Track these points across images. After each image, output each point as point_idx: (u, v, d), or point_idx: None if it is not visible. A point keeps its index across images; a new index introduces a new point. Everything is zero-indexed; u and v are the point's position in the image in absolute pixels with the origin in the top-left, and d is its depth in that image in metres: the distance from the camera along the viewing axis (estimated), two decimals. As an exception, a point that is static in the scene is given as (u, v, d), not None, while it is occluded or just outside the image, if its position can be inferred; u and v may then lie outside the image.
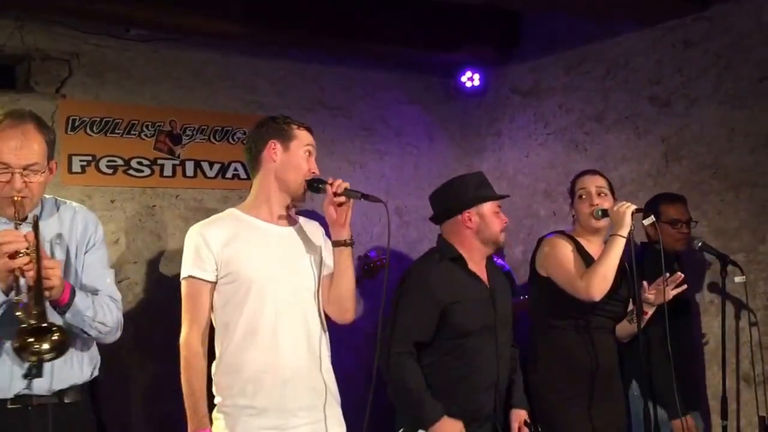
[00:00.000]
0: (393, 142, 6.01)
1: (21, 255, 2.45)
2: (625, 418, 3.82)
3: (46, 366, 2.60)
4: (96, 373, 2.90)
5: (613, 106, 5.32)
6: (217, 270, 2.83)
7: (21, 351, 2.42)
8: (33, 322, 2.40)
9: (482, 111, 6.22)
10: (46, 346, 2.43)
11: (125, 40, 4.87)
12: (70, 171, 4.63)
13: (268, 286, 2.84)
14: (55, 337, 2.44)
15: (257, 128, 3.01)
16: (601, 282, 3.42)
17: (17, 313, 2.45)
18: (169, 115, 5.02)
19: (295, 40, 5.14)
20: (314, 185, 2.87)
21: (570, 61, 5.59)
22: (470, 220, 3.41)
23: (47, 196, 2.82)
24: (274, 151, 2.89)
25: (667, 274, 3.48)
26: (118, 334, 2.87)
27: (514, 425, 3.44)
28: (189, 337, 2.87)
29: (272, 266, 2.86)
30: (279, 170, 2.89)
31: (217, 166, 5.18)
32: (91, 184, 4.74)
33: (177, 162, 5.05)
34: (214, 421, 2.88)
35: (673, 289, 3.50)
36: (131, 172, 4.88)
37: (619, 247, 3.43)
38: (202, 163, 5.14)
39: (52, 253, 2.73)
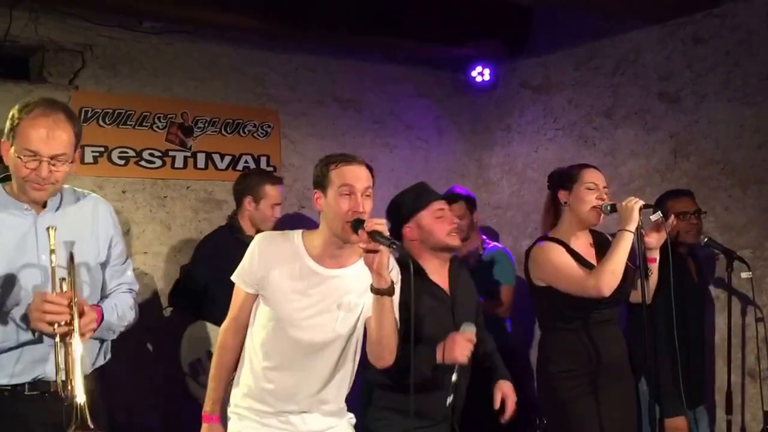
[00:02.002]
0: (403, 136, 6.04)
1: (58, 326, 2.53)
2: (636, 410, 3.80)
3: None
4: (108, 356, 2.96)
5: (623, 101, 5.33)
6: (256, 287, 2.89)
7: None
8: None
9: (492, 105, 6.24)
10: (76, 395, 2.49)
11: (138, 32, 4.92)
12: (82, 161, 4.68)
13: (295, 326, 2.85)
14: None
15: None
16: (610, 278, 3.42)
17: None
18: (181, 107, 5.07)
19: (307, 34, 5.17)
20: (356, 226, 2.75)
21: (580, 57, 5.60)
22: (411, 233, 3.37)
23: (65, 186, 2.85)
24: (318, 200, 2.89)
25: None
26: (134, 322, 2.97)
27: (497, 395, 3.32)
28: (225, 330, 2.98)
29: (304, 309, 2.86)
30: (326, 217, 2.87)
31: (228, 158, 5.23)
32: (102, 174, 4.79)
33: (188, 154, 5.10)
34: (230, 419, 2.97)
35: (658, 231, 3.51)
36: (143, 163, 4.93)
37: (627, 242, 3.44)
38: (213, 155, 5.19)
39: (80, 251, 2.78)
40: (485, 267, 4.88)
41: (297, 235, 2.93)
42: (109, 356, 2.97)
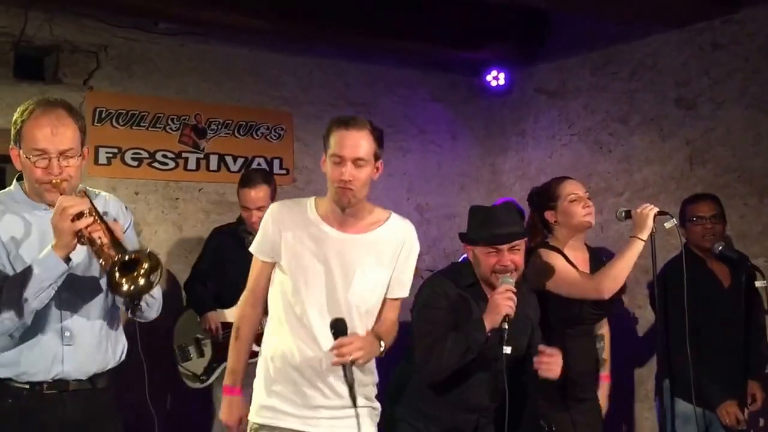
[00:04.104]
0: (416, 140, 6.02)
1: (84, 216, 2.50)
2: (602, 423, 3.85)
3: (81, 348, 2.69)
4: (124, 357, 2.95)
5: (639, 107, 5.29)
6: (272, 254, 2.90)
7: (116, 289, 2.45)
8: (118, 256, 2.42)
9: (507, 110, 6.21)
10: (141, 281, 2.45)
11: (153, 33, 4.93)
12: (96, 162, 4.70)
13: (314, 289, 2.85)
14: (145, 266, 2.45)
15: None
16: (611, 282, 3.44)
17: (100, 261, 2.49)
18: (194, 109, 5.07)
19: (321, 37, 5.17)
20: (334, 331, 2.71)
21: (596, 62, 5.56)
22: (471, 254, 3.34)
23: (80, 186, 2.85)
24: (324, 163, 2.89)
25: None
26: (160, 311, 2.90)
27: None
28: (243, 302, 3.00)
29: (323, 270, 2.85)
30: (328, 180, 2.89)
31: (240, 161, 5.22)
32: (116, 176, 4.80)
33: (201, 156, 5.10)
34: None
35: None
36: (156, 164, 4.94)
37: (636, 249, 3.42)
38: (225, 157, 5.18)
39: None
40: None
41: (310, 200, 2.95)
42: (124, 357, 2.97)
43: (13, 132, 2.68)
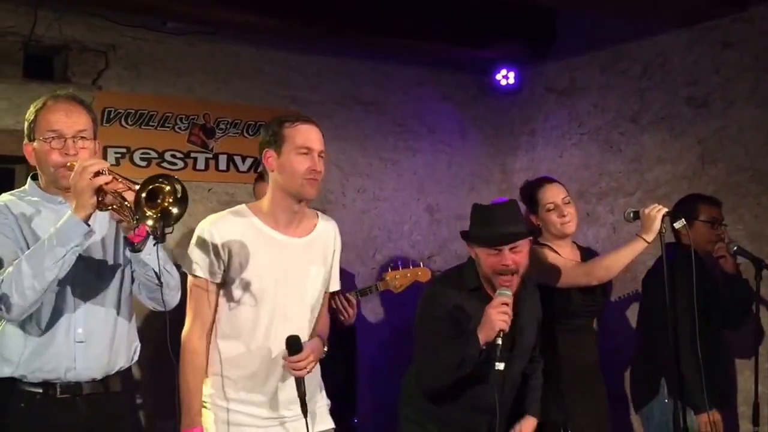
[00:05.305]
0: (426, 139, 5.99)
1: (103, 174, 2.47)
2: (608, 419, 3.83)
3: (93, 347, 2.68)
4: (136, 357, 2.94)
5: (649, 106, 5.26)
6: (223, 271, 2.83)
7: (144, 219, 2.38)
8: (139, 185, 2.38)
9: (516, 109, 6.19)
10: (174, 209, 2.41)
11: (162, 33, 4.92)
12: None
13: (267, 298, 2.84)
14: (168, 190, 2.40)
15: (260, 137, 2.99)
16: (603, 270, 3.49)
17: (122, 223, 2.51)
18: (203, 109, 5.06)
19: (330, 36, 5.15)
20: (289, 346, 2.76)
21: (606, 60, 5.53)
22: (473, 253, 3.30)
23: None
24: (269, 160, 2.85)
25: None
26: (179, 296, 2.86)
27: (516, 428, 3.36)
28: (190, 334, 2.87)
29: (275, 278, 2.85)
30: (279, 178, 2.85)
31: (249, 161, 5.21)
32: (124, 176, 4.78)
33: (210, 155, 5.09)
34: (203, 414, 2.87)
35: None
36: (165, 164, 4.93)
37: (637, 248, 3.44)
38: (234, 157, 5.17)
39: (108, 237, 2.82)
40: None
41: (243, 209, 2.92)
42: (136, 358, 2.96)
43: (26, 127, 2.72)
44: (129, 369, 2.95)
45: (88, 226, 2.49)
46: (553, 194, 3.70)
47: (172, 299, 2.80)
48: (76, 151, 2.65)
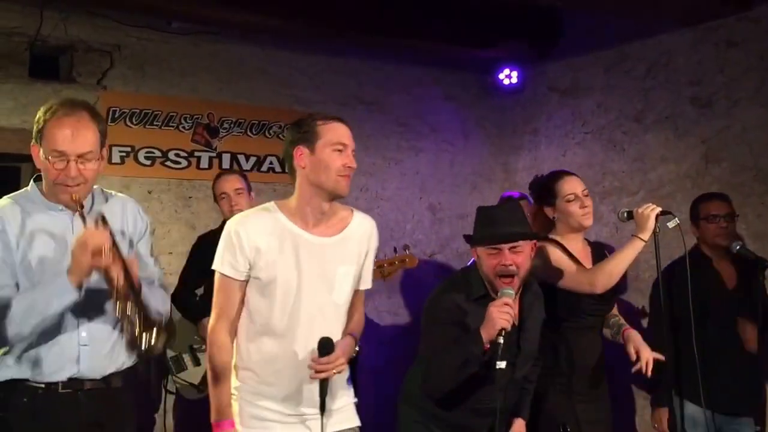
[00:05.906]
0: (429, 139, 6.00)
1: (104, 254, 2.51)
2: (611, 418, 3.83)
3: (97, 349, 2.72)
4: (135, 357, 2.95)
5: (653, 106, 5.26)
6: (249, 269, 2.83)
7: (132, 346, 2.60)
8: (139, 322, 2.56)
9: (519, 109, 6.19)
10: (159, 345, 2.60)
11: (166, 33, 4.93)
12: (109, 161, 4.69)
13: (295, 297, 2.84)
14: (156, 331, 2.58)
15: (286, 135, 2.96)
16: (605, 277, 3.46)
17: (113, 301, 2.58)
18: (207, 108, 5.08)
19: (333, 35, 5.16)
20: (321, 347, 2.76)
21: (610, 60, 5.54)
22: (476, 256, 3.28)
23: (95, 187, 2.86)
24: (301, 157, 2.84)
25: None
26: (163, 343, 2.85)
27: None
28: (216, 329, 2.87)
29: (301, 276, 2.84)
30: (311, 175, 2.84)
31: (253, 159, 5.23)
32: (129, 174, 4.81)
33: (214, 154, 5.10)
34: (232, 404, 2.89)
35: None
36: (168, 163, 4.94)
37: (634, 248, 3.43)
38: (238, 155, 5.19)
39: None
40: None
41: (271, 206, 2.90)
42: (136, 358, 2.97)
43: (35, 130, 2.70)
44: (131, 367, 2.95)
45: (80, 290, 2.60)
46: (573, 186, 3.68)
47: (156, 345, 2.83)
48: (78, 172, 2.65)
